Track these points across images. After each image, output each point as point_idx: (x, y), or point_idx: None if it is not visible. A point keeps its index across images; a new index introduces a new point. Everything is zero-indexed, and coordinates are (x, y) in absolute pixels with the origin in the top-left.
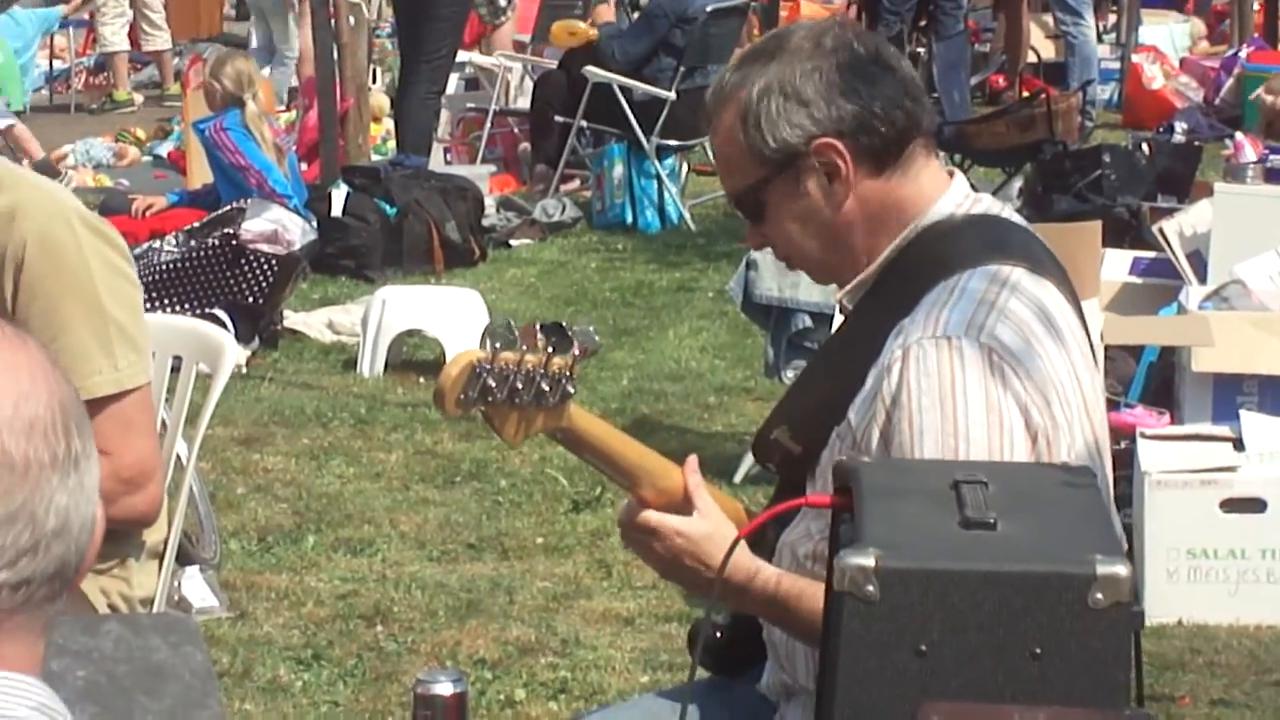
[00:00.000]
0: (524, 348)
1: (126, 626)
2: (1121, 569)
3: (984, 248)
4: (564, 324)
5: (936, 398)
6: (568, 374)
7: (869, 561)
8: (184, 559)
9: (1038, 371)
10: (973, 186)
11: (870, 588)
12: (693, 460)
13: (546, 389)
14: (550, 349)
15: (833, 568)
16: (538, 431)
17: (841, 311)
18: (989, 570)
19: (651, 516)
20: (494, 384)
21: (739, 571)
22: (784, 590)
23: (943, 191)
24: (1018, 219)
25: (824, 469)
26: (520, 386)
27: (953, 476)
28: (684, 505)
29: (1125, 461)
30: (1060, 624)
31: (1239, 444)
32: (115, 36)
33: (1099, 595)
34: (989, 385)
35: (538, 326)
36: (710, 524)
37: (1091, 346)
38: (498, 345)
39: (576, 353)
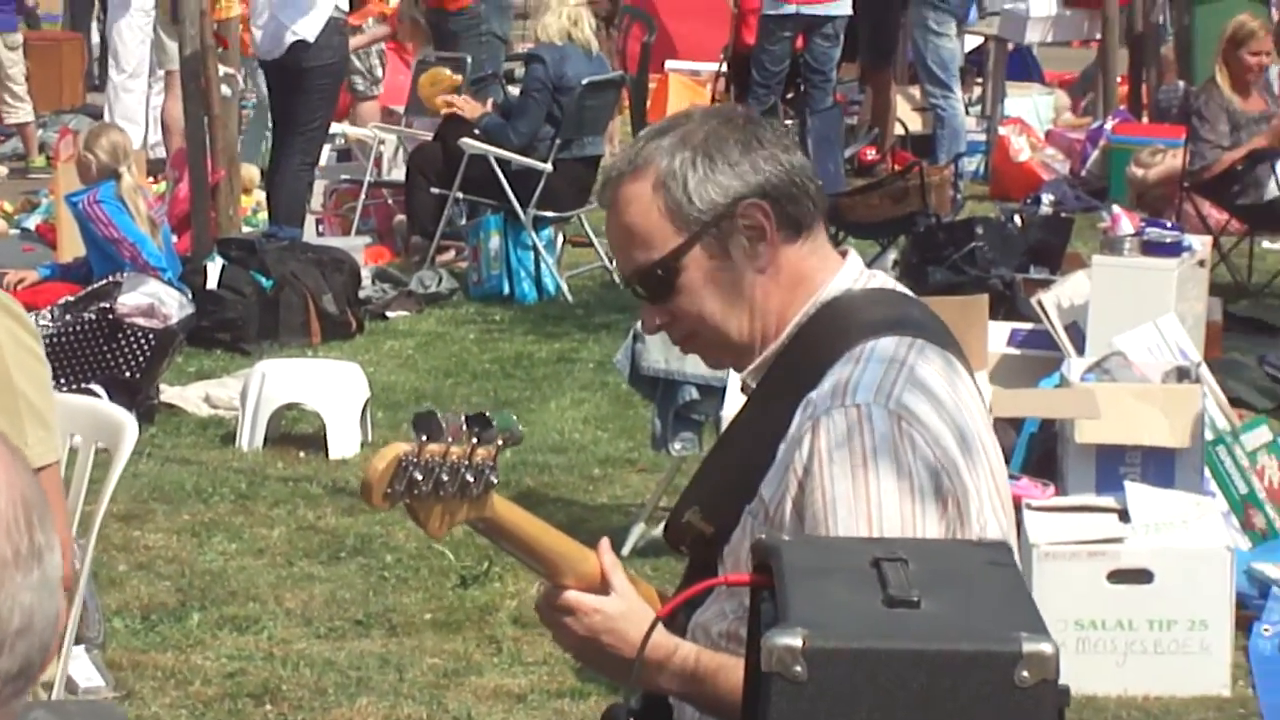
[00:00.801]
0: (449, 439)
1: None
2: (1047, 646)
3: (884, 320)
4: (488, 415)
5: (848, 467)
6: (490, 464)
7: (796, 642)
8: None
9: (945, 437)
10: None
11: (798, 668)
12: (605, 542)
13: (470, 480)
14: (475, 440)
15: (759, 647)
16: (460, 522)
17: (744, 391)
18: (916, 649)
19: (569, 596)
20: (420, 477)
21: (658, 649)
22: (703, 666)
23: (839, 267)
24: (909, 293)
25: (734, 548)
26: (445, 479)
27: (872, 554)
28: (601, 587)
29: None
30: (987, 702)
31: (1124, 515)
32: None
33: (1025, 673)
34: (899, 452)
35: (463, 417)
36: (626, 603)
37: (988, 413)
38: (424, 438)
39: (500, 443)
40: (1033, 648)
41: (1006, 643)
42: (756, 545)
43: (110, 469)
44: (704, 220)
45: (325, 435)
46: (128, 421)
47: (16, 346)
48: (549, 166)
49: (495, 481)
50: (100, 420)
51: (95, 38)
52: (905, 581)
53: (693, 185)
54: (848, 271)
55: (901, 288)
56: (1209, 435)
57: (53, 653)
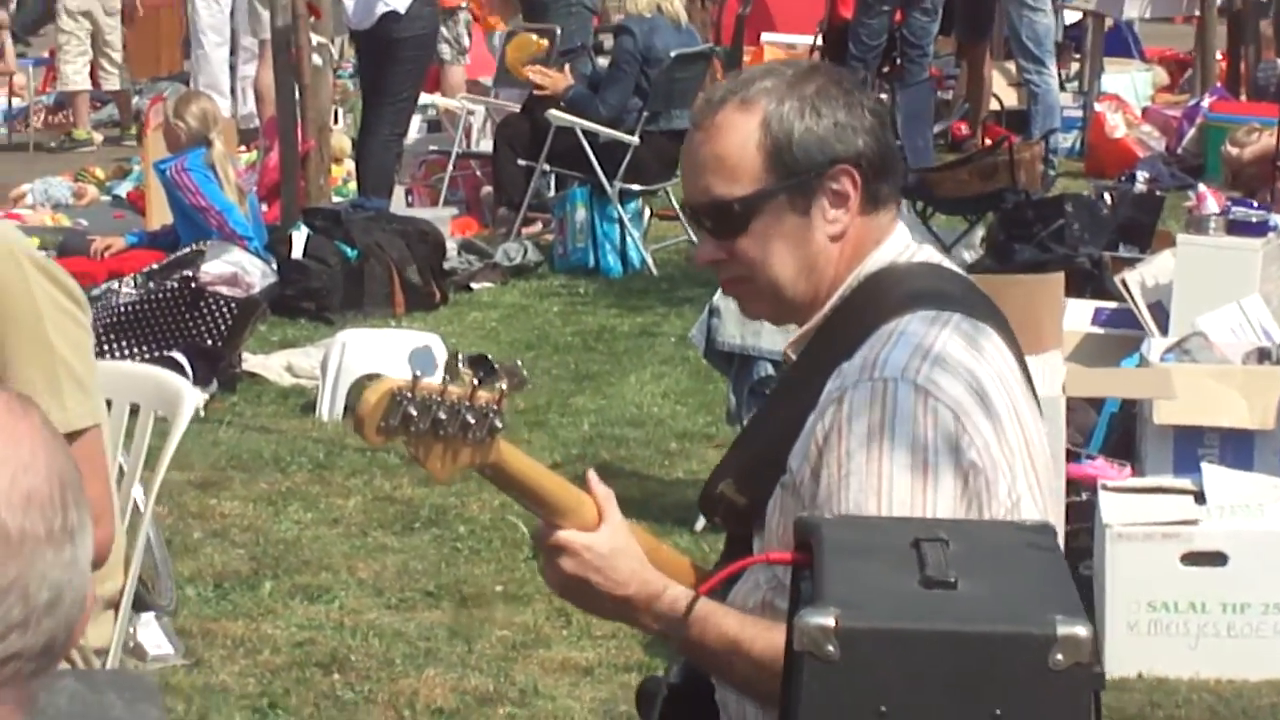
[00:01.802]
0: (447, 378)
1: (83, 683)
2: (1082, 630)
3: (923, 294)
4: (489, 357)
5: (864, 439)
6: (495, 408)
7: (829, 621)
8: (139, 605)
9: (973, 413)
10: (935, 234)
11: (830, 648)
12: (592, 473)
13: (472, 421)
14: (475, 381)
15: (792, 627)
16: (465, 467)
17: (785, 362)
18: (950, 630)
19: (561, 535)
20: (415, 413)
21: (647, 586)
22: (695, 612)
23: (888, 238)
24: (956, 268)
25: (770, 522)
26: (444, 417)
27: (913, 534)
28: (595, 524)
29: (1086, 513)
30: (1021, 685)
31: (1200, 497)
32: (77, 75)
33: (1059, 656)
34: (919, 427)
35: (460, 357)
36: (616, 539)
37: (1035, 393)
38: (419, 373)
39: (504, 386)
40: (1067, 630)
41: (1041, 625)
42: (798, 523)
43: (169, 436)
44: (798, 172)
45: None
46: (186, 389)
47: (56, 310)
48: (636, 139)
49: (500, 426)
50: (160, 388)
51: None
52: (943, 562)
53: (798, 133)
54: (893, 244)
55: (948, 262)
56: None
57: (78, 631)
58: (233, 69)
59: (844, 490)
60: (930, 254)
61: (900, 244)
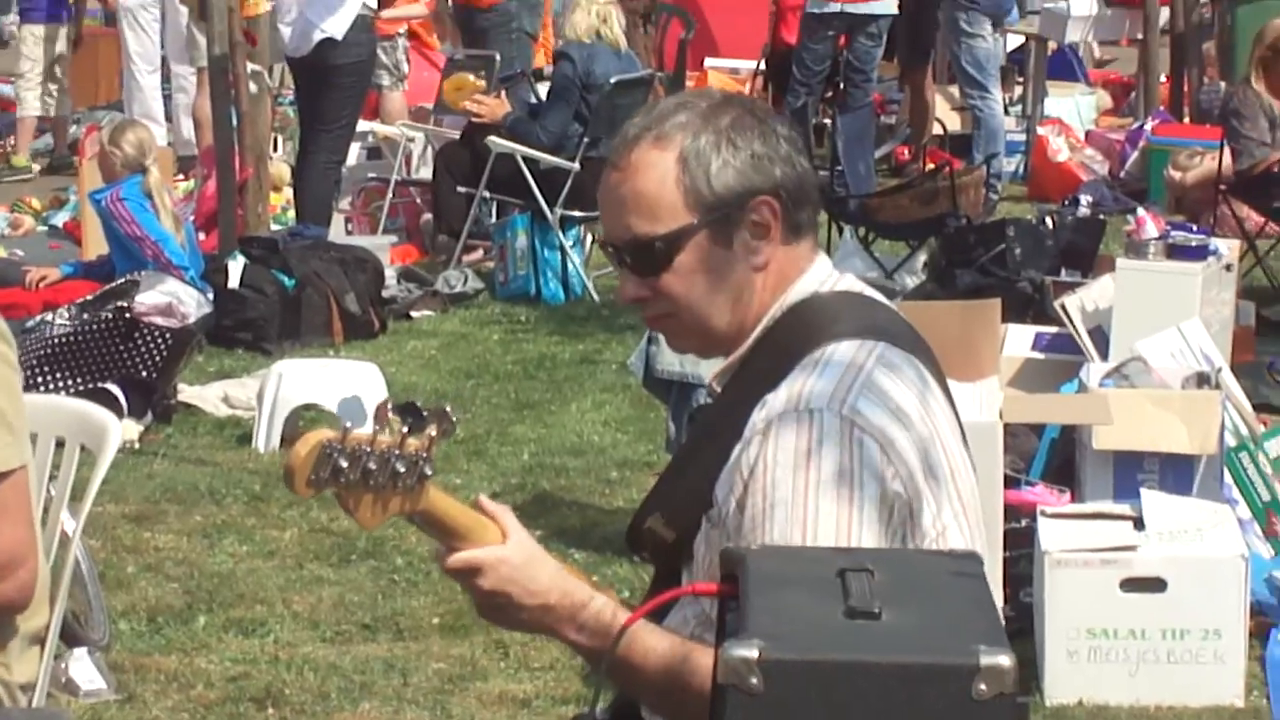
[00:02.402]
0: (377, 428)
1: None
2: (1005, 660)
3: (848, 324)
4: (418, 404)
5: (790, 470)
6: (424, 455)
7: (752, 653)
8: (72, 640)
9: (899, 444)
10: (876, 260)
11: (754, 680)
12: (482, 497)
13: (402, 470)
14: (405, 429)
15: (718, 659)
16: (394, 514)
17: (710, 395)
18: (873, 661)
19: (470, 553)
20: (346, 465)
21: (568, 597)
22: (618, 624)
23: (809, 268)
24: (879, 297)
25: (698, 555)
26: (374, 467)
27: (839, 564)
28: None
29: (1026, 540)
30: (944, 716)
31: (1139, 523)
32: (36, 102)
33: (982, 686)
34: (844, 459)
35: (389, 406)
36: (531, 548)
37: (959, 421)
38: (349, 425)
39: (433, 433)
40: (990, 661)
41: (964, 655)
42: (724, 554)
43: (95, 469)
44: (716, 206)
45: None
46: (111, 423)
47: None
48: (577, 165)
49: (430, 473)
50: (85, 421)
51: None
52: (868, 592)
53: (715, 168)
54: (815, 274)
55: (870, 291)
56: (1231, 441)
57: None
58: (168, 97)
59: (769, 521)
60: (852, 283)
61: (822, 273)
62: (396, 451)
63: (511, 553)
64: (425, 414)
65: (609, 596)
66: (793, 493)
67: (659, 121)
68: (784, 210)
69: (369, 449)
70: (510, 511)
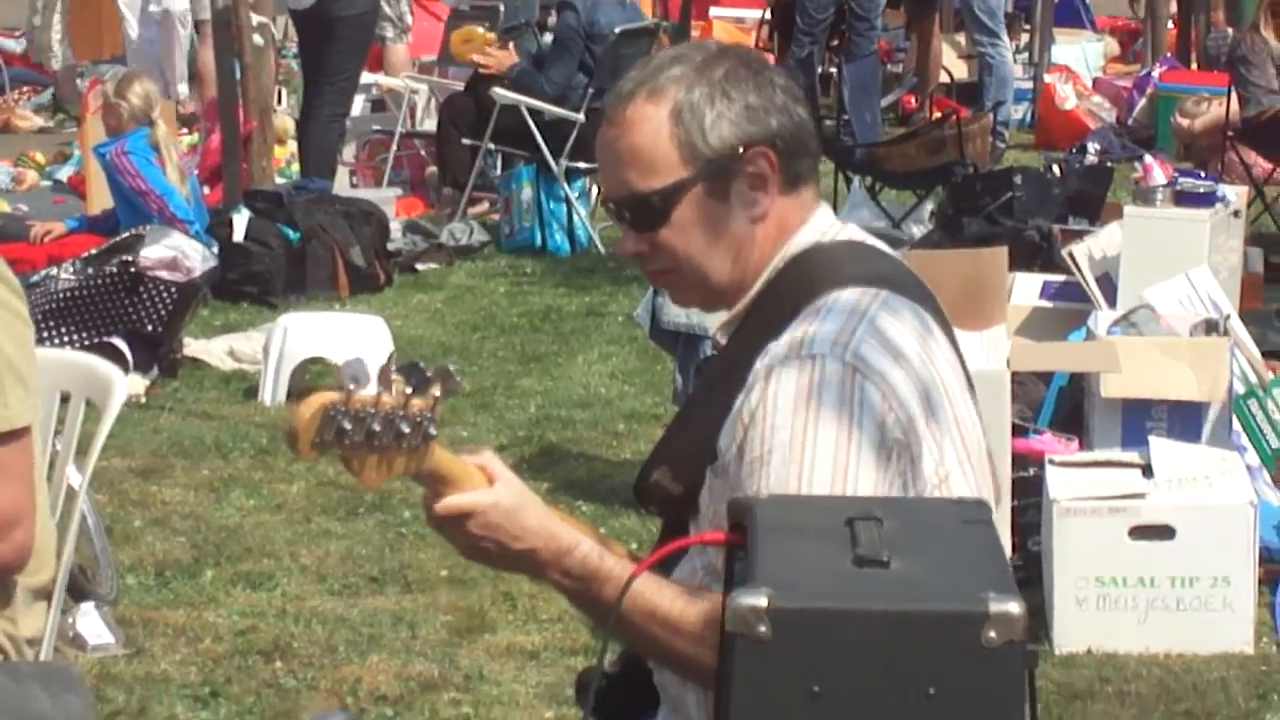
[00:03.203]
0: (381, 388)
1: (6, 675)
2: (1014, 606)
3: (851, 272)
4: (421, 364)
5: (789, 414)
6: (429, 415)
7: (761, 601)
8: (79, 594)
9: (901, 390)
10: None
11: (762, 628)
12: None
13: (406, 431)
14: (409, 390)
15: (726, 607)
16: (399, 475)
17: (714, 347)
18: (881, 609)
19: (458, 499)
20: (349, 426)
21: (555, 540)
22: (607, 567)
23: (810, 218)
24: (883, 246)
25: (704, 506)
26: (378, 429)
27: (847, 513)
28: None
29: (1035, 489)
30: (954, 664)
31: (1148, 470)
32: (59, 51)
33: (992, 634)
34: (844, 403)
35: (393, 367)
36: (518, 492)
37: (965, 369)
38: (352, 387)
39: (438, 394)
40: (1000, 608)
41: (973, 602)
42: (732, 503)
43: (100, 424)
44: (712, 159)
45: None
46: (117, 376)
47: (0, 308)
48: (582, 116)
49: (434, 433)
50: (91, 374)
51: None
52: (876, 541)
53: (708, 121)
54: (816, 223)
55: (873, 240)
56: (1239, 388)
57: None
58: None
59: (767, 465)
60: (854, 232)
61: (824, 223)
62: (400, 412)
63: (499, 497)
64: (429, 374)
65: (601, 542)
66: (791, 435)
67: (653, 75)
68: (781, 160)
69: (373, 410)
70: (496, 456)
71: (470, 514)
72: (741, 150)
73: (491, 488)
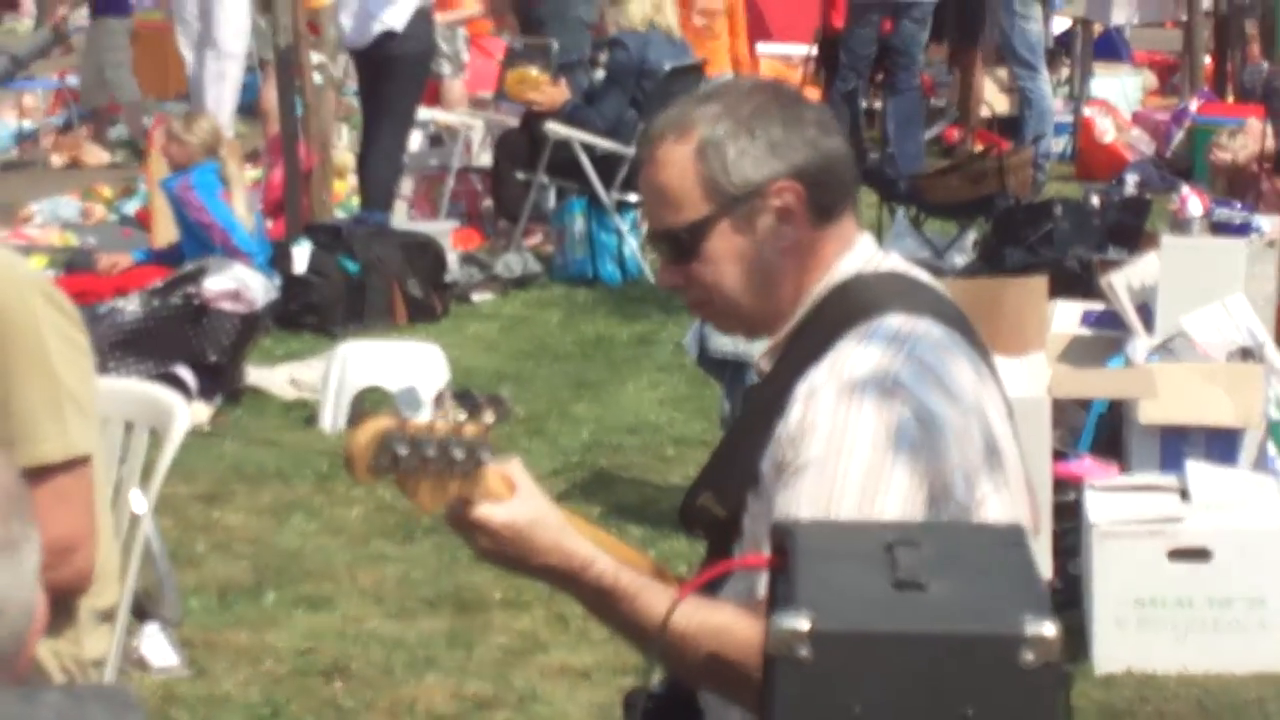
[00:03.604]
0: (435, 416)
1: (65, 696)
2: (1050, 629)
3: (891, 301)
4: (473, 392)
5: (826, 435)
6: (482, 440)
7: (803, 624)
8: (143, 617)
9: (941, 416)
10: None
11: (804, 650)
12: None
13: (460, 456)
14: (462, 416)
15: (768, 630)
16: (453, 498)
17: (759, 374)
18: (920, 631)
19: (477, 512)
20: (405, 452)
21: (572, 559)
22: (622, 585)
23: (852, 249)
24: (925, 276)
25: (748, 531)
26: (432, 454)
27: (887, 537)
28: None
29: (1074, 512)
30: (991, 684)
31: (1185, 494)
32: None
33: (1029, 656)
34: (880, 426)
35: (448, 394)
36: (534, 508)
37: (1004, 396)
38: (408, 414)
39: (489, 420)
40: (1036, 630)
41: (1011, 625)
42: (774, 527)
43: (163, 451)
44: (736, 195)
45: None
46: (178, 405)
47: (61, 340)
48: (632, 150)
49: (486, 459)
50: (154, 404)
51: None
52: (915, 564)
53: (731, 158)
54: (859, 254)
55: (915, 270)
56: (1275, 414)
57: (30, 641)
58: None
59: (798, 482)
60: (897, 262)
61: (866, 253)
62: (455, 438)
63: (516, 514)
64: (481, 400)
65: (656, 571)
66: (824, 454)
67: (682, 114)
68: (808, 194)
69: (428, 436)
70: (521, 464)
71: (483, 530)
72: (765, 185)
73: (507, 503)
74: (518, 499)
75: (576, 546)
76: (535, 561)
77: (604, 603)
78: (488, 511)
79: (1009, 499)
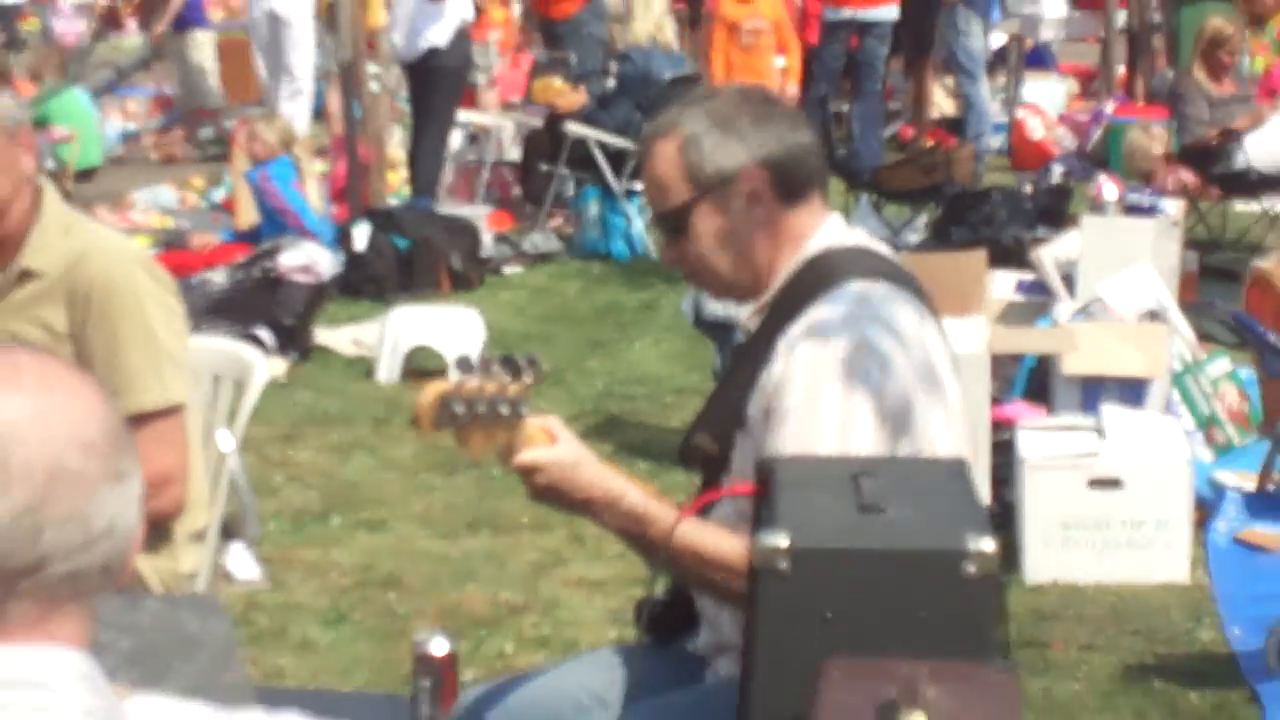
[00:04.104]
0: (483, 378)
1: (163, 603)
2: (988, 545)
3: (856, 270)
4: (516, 357)
5: (803, 386)
6: (523, 398)
7: (782, 541)
8: (229, 538)
9: (900, 369)
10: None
11: (783, 564)
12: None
13: (505, 412)
14: (507, 378)
15: (752, 547)
16: (500, 446)
17: (744, 333)
18: (881, 548)
19: (530, 454)
20: (460, 410)
21: (610, 490)
22: (651, 512)
23: (822, 226)
24: (885, 249)
25: (736, 466)
26: (483, 410)
27: (852, 470)
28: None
29: (1008, 449)
30: (940, 592)
31: (1102, 432)
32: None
33: (971, 568)
34: (848, 378)
35: (495, 360)
36: (576, 450)
37: (950, 351)
38: (463, 378)
39: (529, 380)
40: (977, 546)
41: (956, 542)
42: (758, 463)
43: (244, 399)
44: (712, 181)
45: (448, 372)
46: (259, 360)
47: (159, 306)
48: (639, 146)
49: (526, 412)
50: (238, 359)
51: None
52: (876, 492)
53: (707, 151)
54: (829, 231)
55: (877, 245)
56: (1178, 366)
57: (130, 561)
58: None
59: (784, 426)
60: (862, 238)
61: (836, 231)
62: (500, 396)
63: (559, 455)
64: (522, 364)
65: (653, 494)
66: (805, 402)
67: (671, 116)
68: (773, 179)
69: (479, 395)
70: (560, 421)
71: (538, 469)
72: (737, 172)
73: (552, 447)
74: (560, 444)
75: (613, 482)
76: (580, 495)
77: (637, 528)
78: (537, 453)
79: (956, 437)
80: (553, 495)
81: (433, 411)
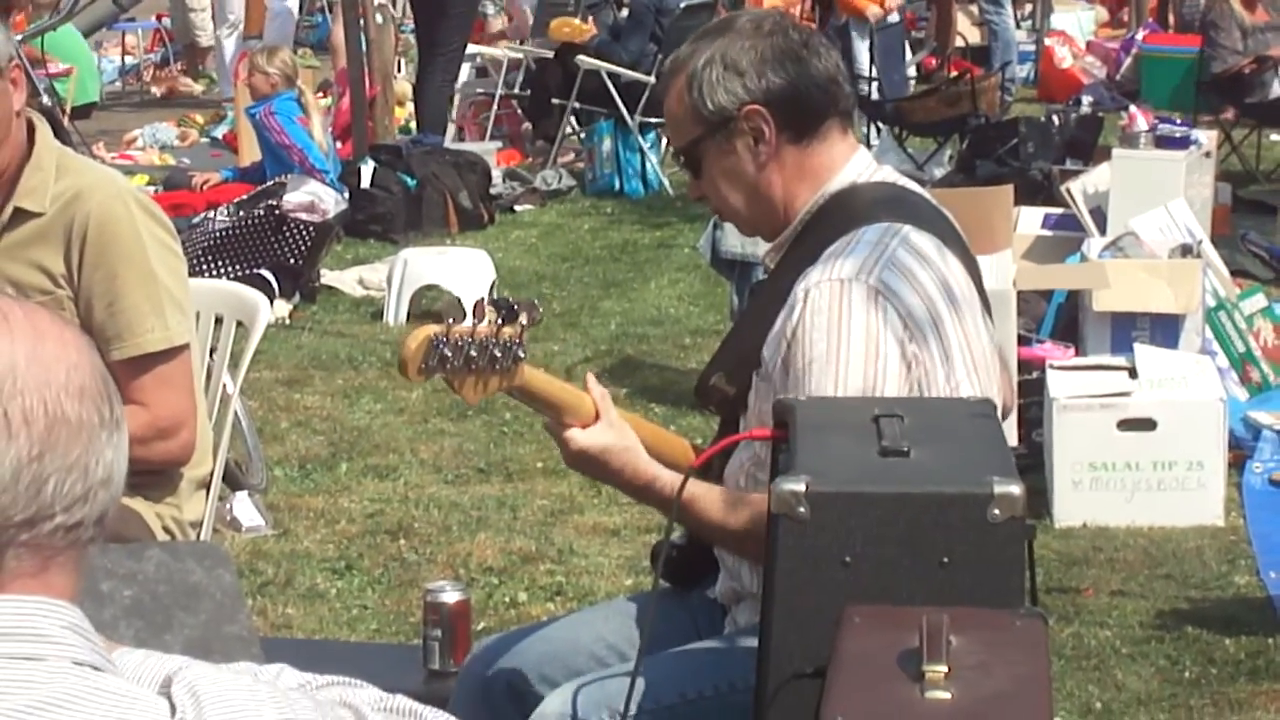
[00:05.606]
0: (475, 321)
1: (166, 552)
2: (1015, 488)
3: (879, 208)
4: (509, 298)
5: (825, 331)
6: (517, 341)
7: (800, 486)
8: (235, 485)
9: (918, 309)
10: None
11: (802, 509)
12: (590, 376)
13: (499, 355)
14: (500, 320)
15: (771, 493)
16: (494, 392)
17: (765, 270)
18: (903, 492)
19: (566, 433)
20: (450, 354)
21: (640, 476)
22: (681, 495)
23: (846, 162)
24: (912, 185)
25: (752, 407)
26: (474, 355)
27: (873, 411)
28: (594, 418)
29: (1036, 389)
30: (964, 537)
31: (1133, 372)
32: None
33: (996, 511)
34: (870, 321)
35: (487, 301)
36: (612, 435)
37: (981, 291)
38: (452, 320)
39: (524, 322)
40: (1003, 489)
41: (981, 485)
42: (776, 405)
43: (248, 341)
44: (714, 119)
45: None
46: (263, 302)
47: (157, 244)
48: (653, 79)
49: (523, 356)
50: (241, 301)
51: None
52: (898, 434)
53: (707, 89)
54: (854, 166)
55: (904, 180)
56: (1211, 302)
57: (113, 509)
58: (311, 28)
59: (808, 375)
60: (888, 173)
61: (861, 165)
62: (494, 339)
63: (595, 439)
64: (516, 305)
65: (667, 442)
66: (826, 349)
67: (683, 53)
68: (777, 117)
69: (469, 339)
70: (608, 397)
71: (568, 445)
72: (736, 109)
73: (589, 430)
74: (597, 427)
75: (643, 468)
76: (609, 477)
77: (663, 505)
78: (573, 435)
79: (979, 378)
80: (581, 471)
81: (419, 357)
